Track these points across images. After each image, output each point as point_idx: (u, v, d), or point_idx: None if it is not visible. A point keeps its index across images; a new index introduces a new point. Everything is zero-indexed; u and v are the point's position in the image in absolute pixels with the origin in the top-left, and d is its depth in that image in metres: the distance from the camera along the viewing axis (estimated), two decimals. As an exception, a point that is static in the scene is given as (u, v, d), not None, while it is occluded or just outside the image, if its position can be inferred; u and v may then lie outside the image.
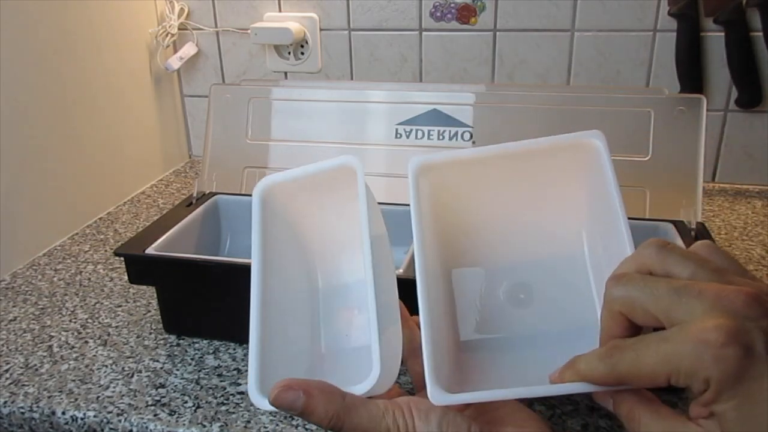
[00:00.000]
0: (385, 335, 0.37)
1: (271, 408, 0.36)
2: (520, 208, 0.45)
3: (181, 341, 0.63)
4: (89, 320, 0.68)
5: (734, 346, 0.27)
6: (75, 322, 0.67)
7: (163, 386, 0.57)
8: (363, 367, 0.37)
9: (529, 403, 0.53)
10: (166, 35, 1.05)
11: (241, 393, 0.56)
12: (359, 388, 0.36)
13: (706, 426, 0.29)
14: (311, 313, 0.46)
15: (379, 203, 0.72)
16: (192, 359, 0.61)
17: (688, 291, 0.29)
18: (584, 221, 0.44)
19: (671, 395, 0.54)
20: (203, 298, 0.62)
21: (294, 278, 0.45)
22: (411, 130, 0.75)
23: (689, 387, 0.28)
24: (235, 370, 0.59)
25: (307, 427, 0.52)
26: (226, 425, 0.52)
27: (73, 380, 0.58)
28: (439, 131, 0.74)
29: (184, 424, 0.52)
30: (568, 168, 0.43)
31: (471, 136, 0.73)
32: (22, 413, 0.55)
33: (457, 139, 0.73)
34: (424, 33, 1.00)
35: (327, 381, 0.36)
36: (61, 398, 0.56)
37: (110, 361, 0.61)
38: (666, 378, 0.29)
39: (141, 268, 0.61)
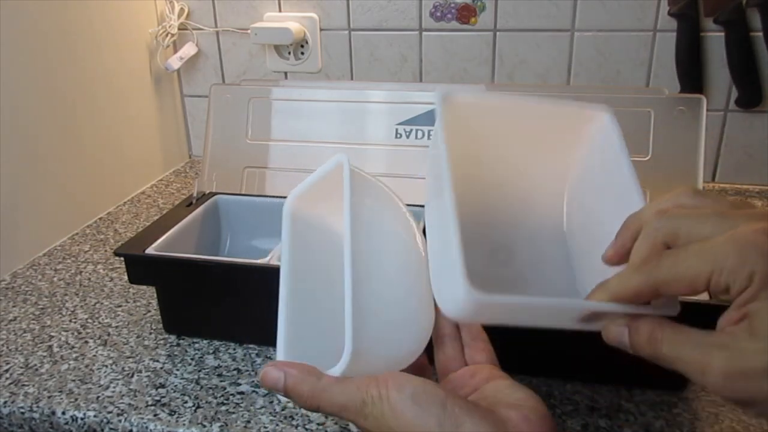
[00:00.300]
0: (372, 316, 0.38)
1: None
2: (516, 167, 0.45)
3: (181, 341, 0.63)
4: (89, 320, 0.68)
5: None
6: (75, 322, 0.67)
7: (163, 386, 0.57)
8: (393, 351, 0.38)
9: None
10: (166, 35, 1.05)
11: (241, 393, 0.56)
12: (334, 370, 0.37)
13: (734, 332, 0.29)
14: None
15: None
16: (192, 359, 0.61)
17: (733, 214, 0.31)
18: (568, 192, 0.44)
19: (671, 395, 0.54)
20: (203, 298, 0.62)
21: (326, 280, 0.46)
22: (411, 130, 0.75)
23: (729, 287, 0.28)
24: (235, 370, 0.59)
25: (306, 427, 0.52)
26: (226, 425, 0.52)
27: (73, 380, 0.58)
28: (439, 131, 0.74)
29: (184, 424, 0.52)
30: (569, 136, 0.43)
31: (471, 136, 0.73)
32: (22, 413, 0.55)
33: (457, 139, 0.73)
34: (424, 33, 1.00)
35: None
36: (61, 398, 0.56)
37: (110, 361, 0.61)
38: (707, 278, 0.29)
39: (141, 268, 0.61)
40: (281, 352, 0.41)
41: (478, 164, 0.45)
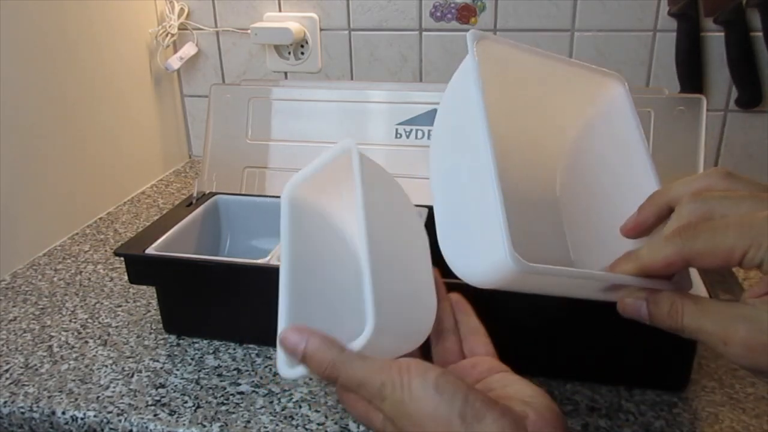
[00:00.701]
0: (392, 294, 0.37)
1: (294, 374, 0.38)
2: (520, 123, 0.44)
3: (181, 341, 0.63)
4: (89, 320, 0.68)
5: None
6: (75, 322, 0.67)
7: (163, 386, 0.57)
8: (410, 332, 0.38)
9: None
10: (166, 35, 1.05)
11: (241, 393, 0.56)
12: (355, 344, 0.36)
13: (757, 305, 0.30)
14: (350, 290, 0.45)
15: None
16: (192, 359, 0.61)
17: (761, 195, 0.31)
18: (567, 157, 0.44)
19: (671, 395, 0.54)
20: (203, 298, 0.62)
21: (330, 265, 0.46)
22: (411, 130, 0.75)
23: (762, 263, 0.29)
24: (235, 370, 0.59)
25: (306, 427, 0.52)
26: (226, 425, 0.52)
27: (73, 380, 0.58)
28: (439, 131, 0.74)
29: (184, 424, 0.52)
30: (579, 100, 0.43)
31: (471, 136, 0.73)
32: (22, 413, 0.55)
33: (457, 139, 0.73)
34: (424, 33, 1.00)
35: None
36: (61, 398, 0.56)
37: (110, 361, 0.61)
38: (743, 252, 0.29)
39: (141, 268, 0.61)
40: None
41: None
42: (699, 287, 0.52)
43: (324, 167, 0.44)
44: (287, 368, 0.39)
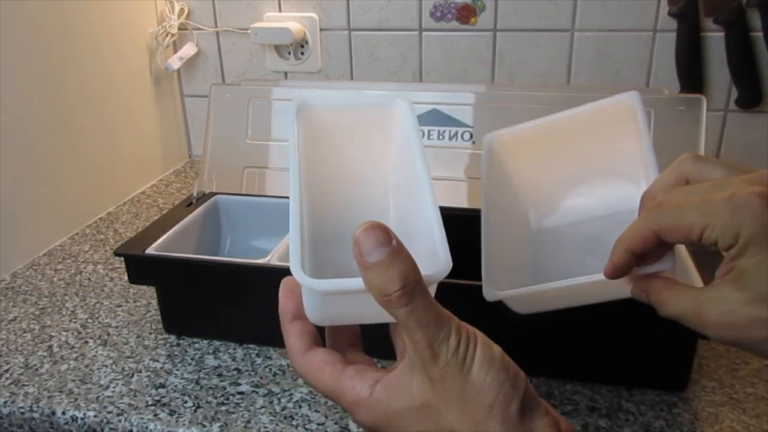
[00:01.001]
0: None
1: (320, 287, 0.32)
2: (573, 169, 0.50)
3: (181, 341, 0.63)
4: (89, 320, 0.68)
5: None
6: (75, 322, 0.67)
7: (163, 386, 0.57)
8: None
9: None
10: (166, 35, 1.05)
11: (241, 393, 0.56)
12: (433, 274, 0.32)
13: (722, 285, 0.32)
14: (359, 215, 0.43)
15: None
16: (192, 359, 0.61)
17: (731, 181, 0.33)
18: (638, 172, 0.47)
19: (671, 395, 0.54)
20: (203, 298, 0.62)
21: (337, 194, 0.44)
22: (411, 130, 0.75)
23: (718, 241, 0.31)
24: (235, 370, 0.59)
25: (306, 427, 0.52)
26: (226, 425, 0.52)
27: (73, 380, 0.58)
28: (439, 131, 0.74)
29: (184, 424, 0.52)
30: (610, 127, 0.48)
31: (471, 136, 0.73)
32: (22, 413, 0.55)
33: (457, 139, 0.73)
34: (424, 33, 1.00)
35: None
36: (61, 398, 0.56)
37: (110, 361, 0.61)
38: (701, 231, 0.32)
39: (141, 268, 0.61)
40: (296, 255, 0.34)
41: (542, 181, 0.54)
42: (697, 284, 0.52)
43: (364, 107, 0.43)
44: (305, 275, 0.32)
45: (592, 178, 0.50)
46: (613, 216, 0.48)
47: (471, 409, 0.31)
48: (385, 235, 0.30)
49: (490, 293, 0.40)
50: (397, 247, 0.30)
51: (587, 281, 0.40)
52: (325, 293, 0.32)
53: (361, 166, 0.44)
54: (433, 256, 0.34)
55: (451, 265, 0.33)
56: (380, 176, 0.44)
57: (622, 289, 0.38)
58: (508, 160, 0.52)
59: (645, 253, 0.35)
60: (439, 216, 0.36)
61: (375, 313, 0.32)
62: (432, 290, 0.35)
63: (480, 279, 0.54)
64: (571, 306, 0.43)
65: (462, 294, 0.56)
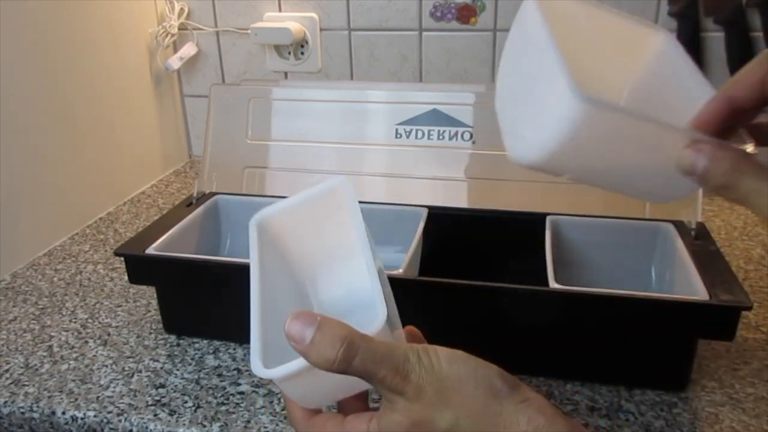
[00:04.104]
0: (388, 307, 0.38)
1: (273, 375, 0.35)
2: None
3: (181, 341, 0.63)
4: (89, 320, 0.68)
5: None
6: (75, 322, 0.67)
7: (163, 386, 0.57)
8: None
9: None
10: (166, 35, 1.05)
11: (241, 393, 0.56)
12: (371, 329, 0.34)
13: None
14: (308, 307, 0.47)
15: (379, 203, 0.72)
16: (192, 359, 0.61)
17: None
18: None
19: (671, 395, 0.54)
20: (203, 298, 0.62)
21: (290, 291, 0.48)
22: (411, 130, 0.75)
23: None
24: (235, 370, 0.59)
25: (307, 427, 0.52)
26: (226, 425, 0.52)
27: (73, 380, 0.58)
28: (439, 131, 0.74)
29: (184, 424, 0.52)
30: (627, 57, 0.44)
31: (471, 136, 0.73)
32: (22, 413, 0.55)
33: (457, 139, 0.73)
34: (424, 33, 1.00)
35: None
36: (61, 398, 0.56)
37: (110, 361, 0.61)
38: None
39: (141, 268, 0.61)
40: (256, 332, 0.40)
41: None
42: (699, 288, 0.52)
43: (303, 204, 0.47)
44: (263, 368, 0.36)
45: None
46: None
47: (460, 401, 0.32)
48: (307, 317, 0.33)
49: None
50: (321, 320, 0.33)
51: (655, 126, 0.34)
52: (280, 380, 0.36)
53: (315, 253, 0.48)
54: (375, 312, 0.36)
55: (385, 314, 0.35)
56: (329, 256, 0.48)
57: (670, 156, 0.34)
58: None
59: (744, 108, 0.35)
60: (375, 275, 0.39)
61: (346, 385, 0.36)
62: (396, 337, 0.39)
63: (480, 279, 0.55)
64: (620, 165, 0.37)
65: (464, 294, 0.56)
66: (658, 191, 0.38)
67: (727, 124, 0.36)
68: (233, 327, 0.62)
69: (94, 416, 0.54)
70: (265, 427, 0.52)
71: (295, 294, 0.49)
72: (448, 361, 0.33)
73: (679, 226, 0.63)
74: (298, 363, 0.34)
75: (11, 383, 0.58)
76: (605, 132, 0.33)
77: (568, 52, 0.39)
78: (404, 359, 0.32)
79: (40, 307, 0.70)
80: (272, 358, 0.38)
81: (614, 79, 0.44)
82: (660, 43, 0.43)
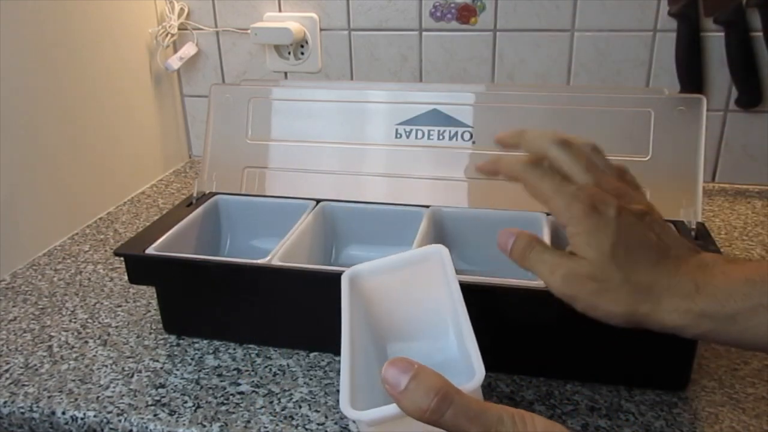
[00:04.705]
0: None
1: (363, 417, 0.37)
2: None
3: (181, 341, 0.63)
4: (89, 320, 0.68)
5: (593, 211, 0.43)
6: (75, 322, 0.67)
7: (163, 386, 0.57)
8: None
9: (529, 402, 0.54)
10: (166, 35, 1.05)
11: (241, 393, 0.56)
12: (466, 386, 0.36)
13: (567, 253, 0.45)
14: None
15: (379, 203, 0.72)
16: (192, 359, 0.61)
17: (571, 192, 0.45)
18: None
19: (671, 395, 0.54)
20: (203, 298, 0.62)
21: (373, 342, 0.52)
22: (411, 130, 0.75)
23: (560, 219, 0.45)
24: (235, 370, 0.59)
25: (306, 427, 0.52)
26: (226, 425, 0.52)
27: (73, 380, 0.58)
28: (439, 131, 0.74)
29: (184, 424, 0.52)
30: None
31: (471, 136, 0.73)
32: (22, 413, 0.55)
33: (457, 139, 0.73)
34: (424, 33, 1.00)
35: None
36: (61, 398, 0.56)
37: (110, 361, 0.61)
38: (547, 207, 0.46)
39: (141, 268, 0.61)
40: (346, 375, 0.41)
41: None
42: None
43: (397, 265, 0.52)
44: (352, 409, 0.37)
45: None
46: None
47: None
48: (405, 363, 0.33)
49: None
50: (418, 368, 0.33)
51: None
52: (370, 423, 0.37)
53: (400, 311, 0.52)
54: (470, 370, 0.39)
55: (483, 373, 0.38)
56: (414, 315, 0.52)
57: None
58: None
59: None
60: (472, 336, 0.43)
61: None
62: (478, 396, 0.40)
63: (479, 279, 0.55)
64: None
65: (464, 293, 0.56)
66: None
67: None
68: (233, 327, 0.62)
69: (94, 416, 0.54)
70: (265, 427, 0.52)
71: (376, 345, 0.51)
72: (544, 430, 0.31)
73: (679, 226, 0.63)
74: (390, 409, 0.35)
75: (11, 383, 0.58)
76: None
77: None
78: (498, 420, 0.31)
79: (40, 307, 0.70)
80: (358, 399, 0.39)
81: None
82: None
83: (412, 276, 0.51)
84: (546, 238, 0.61)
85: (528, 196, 0.48)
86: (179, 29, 1.07)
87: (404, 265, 0.51)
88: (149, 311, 0.69)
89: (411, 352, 0.51)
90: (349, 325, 0.47)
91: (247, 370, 0.59)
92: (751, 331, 0.40)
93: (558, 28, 0.95)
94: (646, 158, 0.69)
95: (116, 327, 0.66)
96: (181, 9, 1.06)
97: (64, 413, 0.54)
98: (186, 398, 0.55)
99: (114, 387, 0.57)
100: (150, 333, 0.65)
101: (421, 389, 0.32)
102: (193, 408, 0.54)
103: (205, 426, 0.52)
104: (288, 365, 0.59)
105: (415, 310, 0.52)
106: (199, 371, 0.59)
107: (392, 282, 0.52)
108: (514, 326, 0.55)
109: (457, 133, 0.74)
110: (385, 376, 0.33)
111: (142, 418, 0.53)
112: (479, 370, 0.38)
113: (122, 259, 0.62)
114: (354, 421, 0.40)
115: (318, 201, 0.71)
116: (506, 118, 0.73)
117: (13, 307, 0.70)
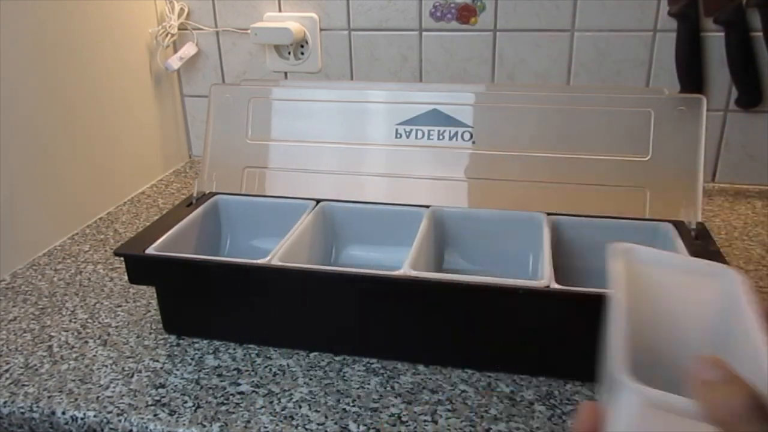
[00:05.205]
0: None
1: (647, 393, 0.29)
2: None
3: (181, 341, 0.63)
4: (89, 320, 0.68)
5: None
6: (75, 322, 0.67)
7: (163, 386, 0.57)
8: None
9: (530, 402, 0.54)
10: (166, 35, 1.05)
11: (241, 393, 0.56)
12: None
13: None
14: None
15: (379, 203, 0.72)
16: (192, 359, 0.61)
17: None
18: None
19: None
20: (203, 298, 0.62)
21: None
22: (411, 130, 0.75)
23: None
24: (235, 370, 0.59)
25: (306, 427, 0.52)
26: (226, 425, 0.52)
27: (73, 380, 0.58)
28: (439, 131, 0.74)
29: (184, 424, 0.52)
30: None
31: (471, 136, 0.73)
32: (22, 413, 0.55)
33: (457, 139, 0.73)
34: (424, 33, 1.00)
35: None
36: (61, 398, 0.56)
37: (110, 361, 0.61)
38: None
39: (141, 268, 0.61)
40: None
41: None
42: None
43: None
44: (631, 381, 0.30)
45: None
46: None
47: None
48: (719, 361, 0.28)
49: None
50: (733, 371, 0.27)
51: None
52: (651, 403, 0.29)
53: (677, 320, 0.43)
54: None
55: None
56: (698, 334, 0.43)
57: None
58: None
59: None
60: None
61: None
62: None
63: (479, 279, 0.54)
64: None
65: (464, 293, 0.56)
66: None
67: None
68: (233, 327, 0.62)
69: (94, 416, 0.54)
70: (265, 427, 0.52)
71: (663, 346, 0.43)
72: None
73: (679, 226, 0.63)
74: (684, 400, 0.28)
75: (11, 383, 0.58)
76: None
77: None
78: None
79: (40, 307, 0.70)
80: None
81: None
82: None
83: (694, 288, 0.43)
84: (546, 238, 0.61)
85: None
86: (179, 29, 1.07)
87: (689, 271, 0.43)
88: (149, 311, 0.69)
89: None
90: (625, 290, 0.40)
91: (247, 370, 0.59)
92: None
93: (558, 28, 0.95)
94: (646, 158, 0.69)
95: (116, 327, 0.66)
96: (181, 9, 1.06)
97: (64, 413, 0.54)
98: (186, 398, 0.55)
99: (114, 387, 0.57)
100: (150, 333, 0.65)
101: (735, 387, 0.27)
102: (193, 408, 0.54)
103: (205, 426, 0.52)
104: (288, 365, 0.59)
105: (677, 330, 0.43)
106: (199, 371, 0.59)
107: (673, 282, 0.44)
108: (514, 326, 0.55)
109: (457, 133, 0.74)
110: (696, 360, 0.28)
111: (142, 418, 0.53)
112: None
113: (122, 259, 0.62)
114: (613, 396, 0.32)
115: (318, 201, 0.71)
116: (506, 118, 0.73)
117: (13, 307, 0.70)
